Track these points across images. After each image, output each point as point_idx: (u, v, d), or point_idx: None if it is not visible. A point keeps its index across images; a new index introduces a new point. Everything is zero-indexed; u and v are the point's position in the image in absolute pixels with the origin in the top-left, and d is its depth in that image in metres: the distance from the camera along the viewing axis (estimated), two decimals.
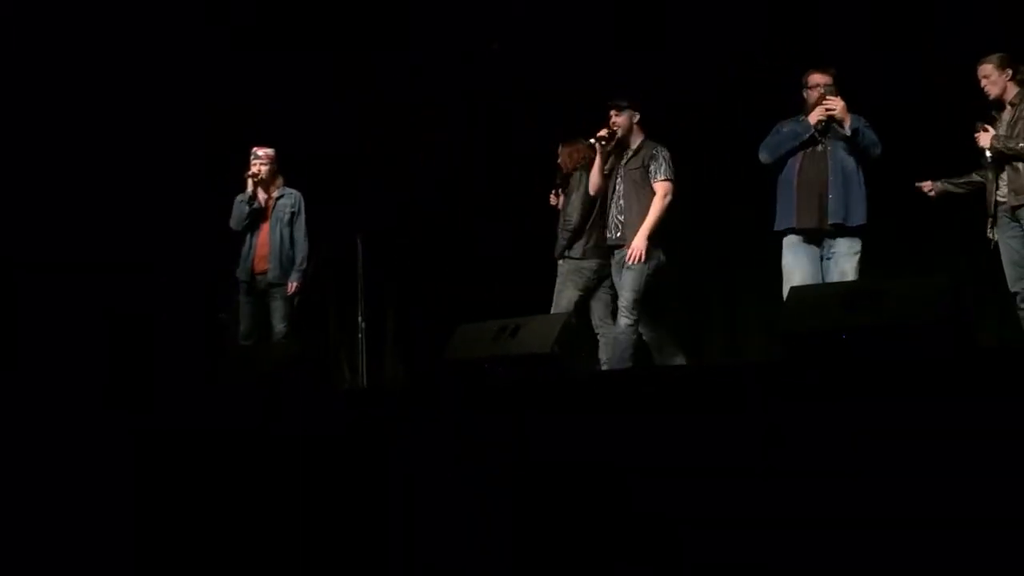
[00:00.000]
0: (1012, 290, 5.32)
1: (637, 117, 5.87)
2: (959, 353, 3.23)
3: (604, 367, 5.50)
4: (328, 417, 4.38)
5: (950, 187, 5.66)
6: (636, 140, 5.87)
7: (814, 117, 5.41)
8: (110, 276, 6.94)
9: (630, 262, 5.62)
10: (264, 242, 6.51)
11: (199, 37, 7.46)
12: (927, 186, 5.66)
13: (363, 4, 7.59)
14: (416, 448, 3.94)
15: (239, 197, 6.57)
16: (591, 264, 6.09)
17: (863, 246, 5.43)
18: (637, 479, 3.46)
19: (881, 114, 5.62)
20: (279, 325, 6.45)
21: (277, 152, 6.67)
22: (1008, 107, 5.37)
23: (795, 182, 5.40)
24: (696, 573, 3.29)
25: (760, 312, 6.81)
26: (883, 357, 3.30)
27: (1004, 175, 5.35)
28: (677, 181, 5.82)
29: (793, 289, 3.72)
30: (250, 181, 6.49)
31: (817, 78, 5.53)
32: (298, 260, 6.52)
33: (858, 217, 5.37)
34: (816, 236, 5.39)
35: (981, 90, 5.44)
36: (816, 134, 5.43)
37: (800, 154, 5.45)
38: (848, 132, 5.34)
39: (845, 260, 5.32)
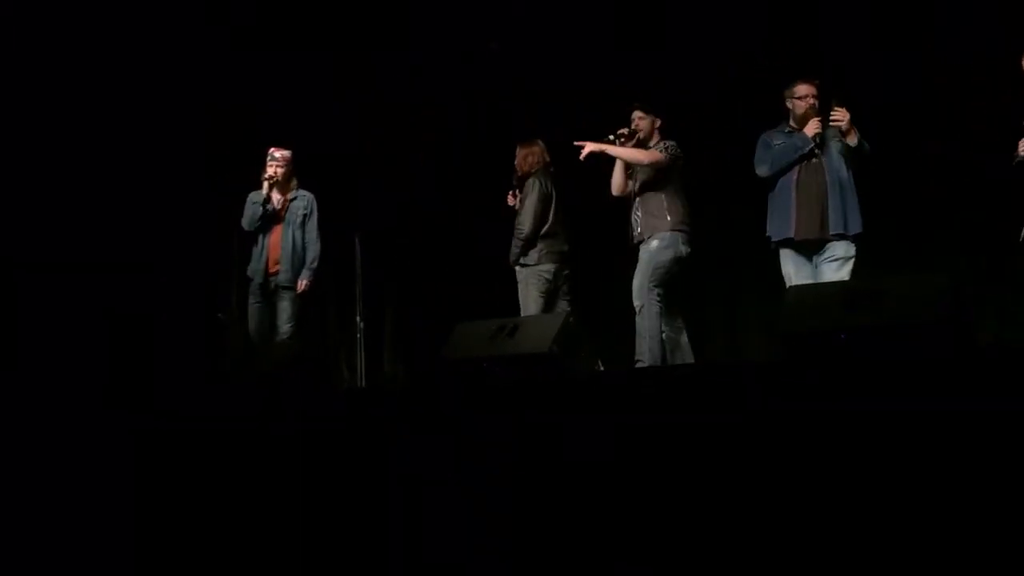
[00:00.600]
0: None
1: (659, 123, 5.96)
2: (959, 352, 3.23)
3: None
4: (327, 416, 4.38)
5: None
6: (654, 143, 5.94)
7: (811, 129, 5.43)
8: (110, 276, 6.94)
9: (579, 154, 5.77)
10: (276, 244, 6.53)
11: (199, 37, 7.46)
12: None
13: (363, 4, 7.57)
14: (416, 448, 3.94)
15: (252, 197, 6.58)
16: (548, 268, 6.13)
17: (858, 251, 5.44)
18: (636, 479, 3.46)
19: (881, 114, 5.61)
20: (284, 325, 6.47)
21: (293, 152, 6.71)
22: None
23: (793, 194, 5.42)
24: (696, 573, 3.30)
25: (760, 313, 6.81)
26: (883, 357, 3.30)
27: None
28: (672, 162, 5.86)
29: (792, 288, 3.74)
30: (266, 184, 6.50)
31: (805, 89, 5.54)
32: (308, 260, 6.55)
33: (855, 225, 5.39)
34: (814, 244, 5.41)
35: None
36: (814, 146, 5.44)
37: (798, 166, 5.46)
38: (855, 144, 5.35)
39: (840, 266, 5.33)
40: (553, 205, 6.24)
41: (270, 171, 6.52)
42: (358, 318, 6.93)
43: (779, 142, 5.54)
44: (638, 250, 5.83)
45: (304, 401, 4.55)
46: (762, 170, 5.55)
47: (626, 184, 5.94)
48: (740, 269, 7.27)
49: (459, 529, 3.72)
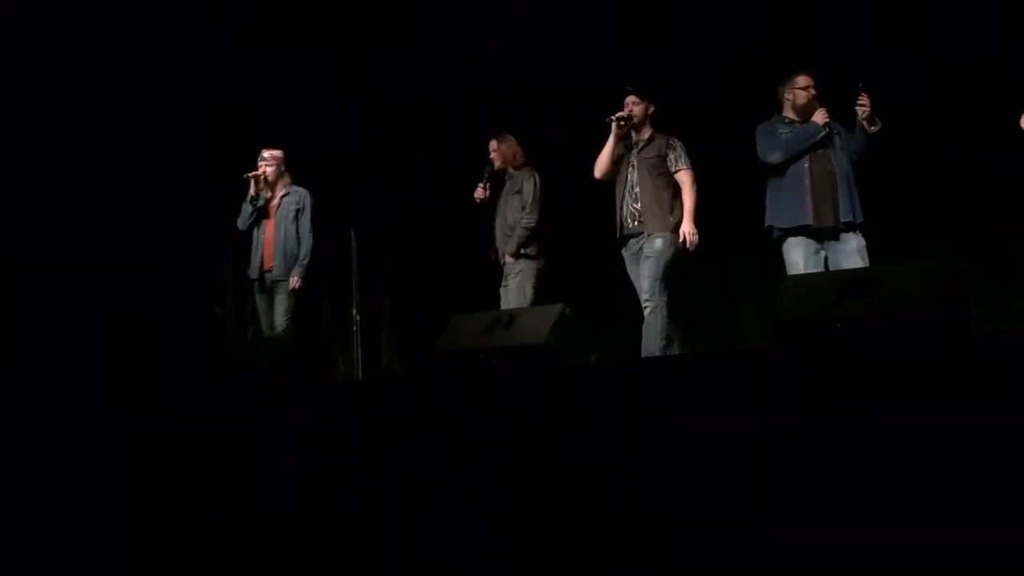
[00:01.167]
0: None
1: (652, 109, 5.95)
2: (954, 339, 3.22)
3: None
4: (326, 414, 4.38)
5: None
6: (647, 132, 5.93)
7: (821, 117, 5.47)
8: (110, 276, 6.95)
9: (690, 247, 5.74)
10: (269, 240, 6.63)
11: (199, 37, 7.48)
12: None
13: (363, 4, 7.58)
14: (414, 445, 3.93)
15: (246, 199, 6.68)
16: (543, 261, 6.28)
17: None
18: (631, 478, 3.46)
19: (881, 114, 5.61)
20: (280, 319, 6.55)
21: (285, 153, 6.79)
22: None
23: (807, 182, 5.42)
24: (694, 573, 3.29)
25: (760, 311, 6.80)
26: (878, 344, 3.29)
27: None
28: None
29: (788, 278, 3.71)
30: (252, 182, 6.58)
31: (805, 79, 5.59)
32: (300, 256, 6.59)
33: (860, 215, 5.42)
34: (821, 234, 5.41)
35: None
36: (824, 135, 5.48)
37: (808, 155, 5.47)
38: (876, 130, 5.43)
39: (857, 256, 5.36)
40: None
41: (258, 170, 6.63)
42: (354, 311, 6.96)
43: (785, 131, 5.53)
44: (626, 242, 5.84)
45: (302, 398, 4.54)
46: (775, 156, 5.51)
47: (612, 168, 5.92)
48: (739, 266, 7.27)
49: (459, 528, 3.72)
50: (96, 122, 7.04)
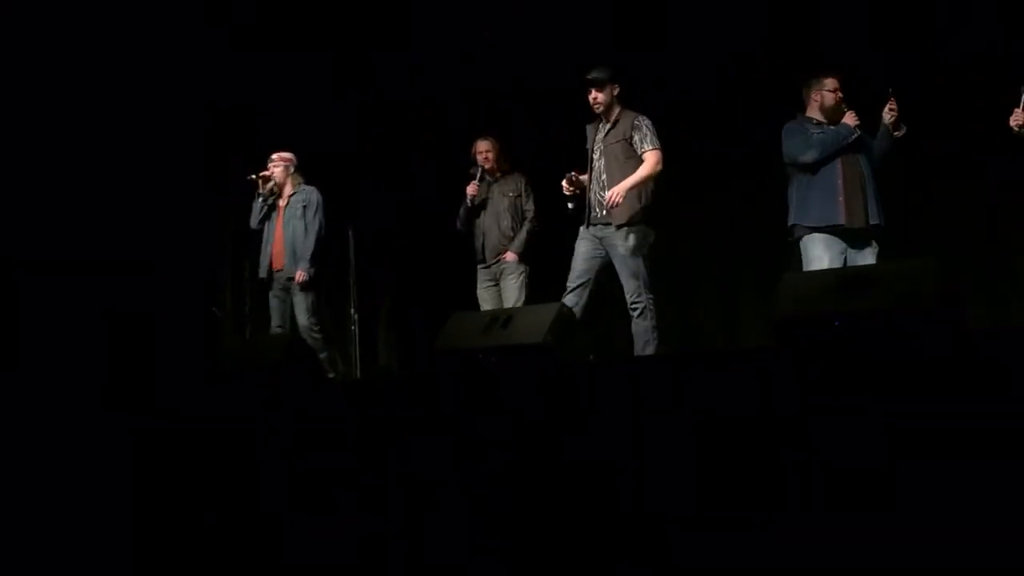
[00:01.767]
0: None
1: (617, 90, 5.71)
2: (952, 335, 3.22)
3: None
4: (325, 411, 4.38)
5: None
6: (614, 113, 5.71)
7: (852, 120, 5.51)
8: (110, 276, 6.96)
9: (607, 205, 5.45)
10: (279, 239, 6.70)
11: (199, 37, 7.49)
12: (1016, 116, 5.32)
13: (363, 4, 7.59)
14: (412, 441, 3.93)
15: (256, 198, 6.77)
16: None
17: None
18: (630, 477, 3.46)
19: (881, 114, 5.62)
20: (302, 318, 6.58)
21: (295, 154, 6.90)
22: None
23: (840, 183, 5.44)
24: (695, 573, 3.28)
25: (761, 312, 6.80)
26: (876, 342, 3.29)
27: None
28: (664, 151, 5.64)
29: (786, 275, 3.71)
30: (260, 181, 6.68)
31: (834, 82, 5.61)
32: (302, 249, 6.63)
33: (882, 218, 5.51)
34: (848, 235, 5.45)
35: None
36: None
37: (839, 156, 5.50)
38: (901, 134, 5.48)
39: (873, 260, 5.42)
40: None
41: (268, 171, 6.72)
42: (352, 309, 6.98)
43: (816, 132, 5.55)
44: (594, 225, 5.63)
45: (302, 397, 4.55)
46: (810, 155, 5.48)
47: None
48: (740, 269, 7.29)
49: (459, 528, 3.72)
50: (95, 122, 7.05)
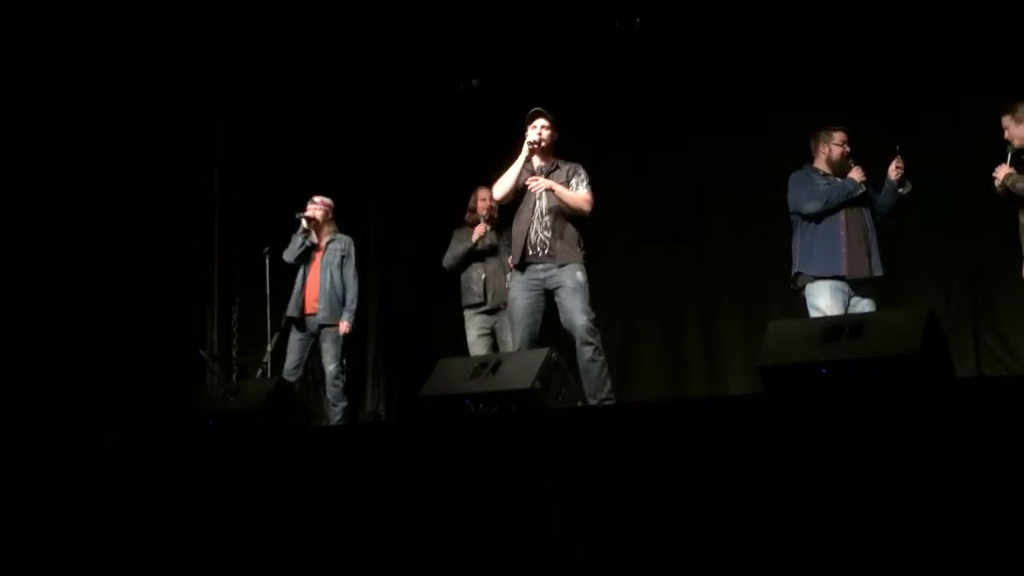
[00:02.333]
0: None
1: (556, 137, 5.64)
2: (937, 383, 3.24)
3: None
4: (310, 456, 4.35)
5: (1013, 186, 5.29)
6: (552, 159, 5.64)
7: (859, 175, 5.62)
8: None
9: (532, 183, 5.44)
10: (314, 284, 6.73)
11: (199, 37, 7.55)
12: (1001, 169, 5.34)
13: (363, 4, 7.62)
14: (396, 486, 3.91)
15: (295, 234, 6.84)
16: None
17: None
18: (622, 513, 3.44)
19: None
20: (330, 366, 6.59)
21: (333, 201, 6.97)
22: None
23: (843, 234, 5.55)
24: None
25: (746, 357, 6.83)
26: (862, 388, 3.30)
27: None
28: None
29: (773, 324, 3.73)
30: (304, 221, 6.75)
31: (841, 136, 5.73)
32: (348, 301, 6.70)
33: (882, 269, 5.62)
34: (851, 285, 5.52)
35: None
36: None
37: (843, 209, 5.60)
38: (907, 191, 5.61)
39: (871, 309, 5.49)
40: None
41: (309, 211, 6.77)
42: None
43: (822, 183, 5.66)
44: (525, 269, 5.48)
45: (289, 442, 4.52)
46: (814, 206, 5.59)
47: (513, 193, 5.58)
48: (722, 312, 7.34)
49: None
50: (95, 121, 7.09)
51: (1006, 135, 5.30)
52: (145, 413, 5.90)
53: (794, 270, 5.66)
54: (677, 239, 7.46)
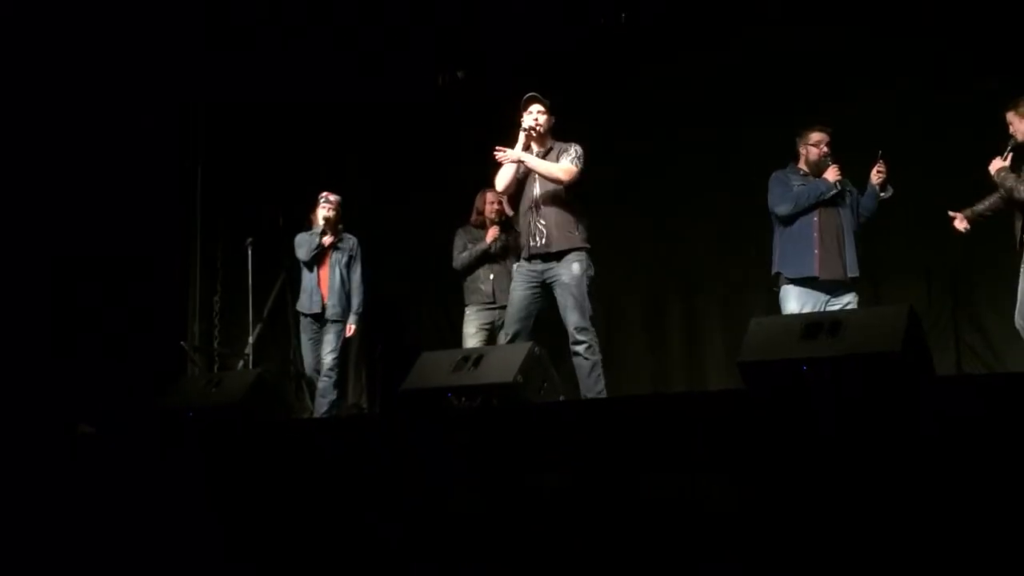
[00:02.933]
0: (1017, 324, 5.27)
1: (553, 121, 5.58)
2: (917, 381, 3.25)
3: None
4: (294, 449, 4.35)
5: (980, 212, 5.49)
6: (548, 143, 5.54)
7: (833, 175, 5.59)
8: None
9: (499, 154, 5.39)
10: (325, 281, 6.88)
11: (199, 37, 7.56)
12: (959, 221, 5.53)
13: (365, 4, 7.61)
14: (378, 480, 3.91)
15: (311, 232, 6.91)
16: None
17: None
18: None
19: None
20: (328, 356, 6.75)
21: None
22: None
23: (816, 235, 5.54)
24: None
25: (727, 353, 6.85)
26: (841, 386, 3.32)
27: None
28: (586, 175, 5.45)
29: (755, 321, 3.74)
30: (323, 221, 6.84)
31: (819, 136, 5.71)
32: (355, 304, 6.90)
33: (858, 270, 5.60)
34: (825, 286, 5.52)
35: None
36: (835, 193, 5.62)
37: (817, 209, 5.59)
38: (888, 196, 5.62)
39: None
40: None
41: (326, 212, 6.85)
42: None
43: (797, 183, 5.65)
44: (534, 259, 5.44)
45: (271, 435, 4.52)
46: (784, 208, 5.60)
47: (515, 183, 5.53)
48: (704, 307, 7.36)
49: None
50: (94, 121, 7.06)
51: (1011, 130, 5.30)
52: (126, 405, 5.89)
53: (773, 270, 5.68)
54: (660, 231, 7.49)
